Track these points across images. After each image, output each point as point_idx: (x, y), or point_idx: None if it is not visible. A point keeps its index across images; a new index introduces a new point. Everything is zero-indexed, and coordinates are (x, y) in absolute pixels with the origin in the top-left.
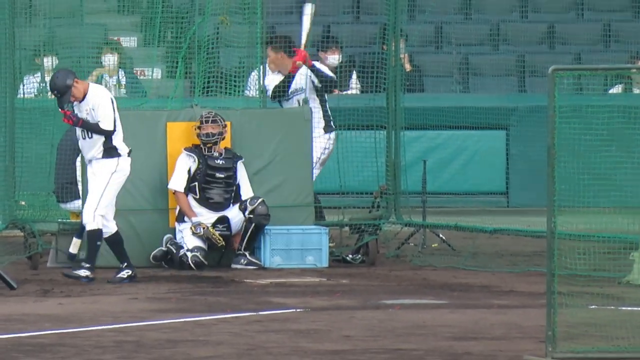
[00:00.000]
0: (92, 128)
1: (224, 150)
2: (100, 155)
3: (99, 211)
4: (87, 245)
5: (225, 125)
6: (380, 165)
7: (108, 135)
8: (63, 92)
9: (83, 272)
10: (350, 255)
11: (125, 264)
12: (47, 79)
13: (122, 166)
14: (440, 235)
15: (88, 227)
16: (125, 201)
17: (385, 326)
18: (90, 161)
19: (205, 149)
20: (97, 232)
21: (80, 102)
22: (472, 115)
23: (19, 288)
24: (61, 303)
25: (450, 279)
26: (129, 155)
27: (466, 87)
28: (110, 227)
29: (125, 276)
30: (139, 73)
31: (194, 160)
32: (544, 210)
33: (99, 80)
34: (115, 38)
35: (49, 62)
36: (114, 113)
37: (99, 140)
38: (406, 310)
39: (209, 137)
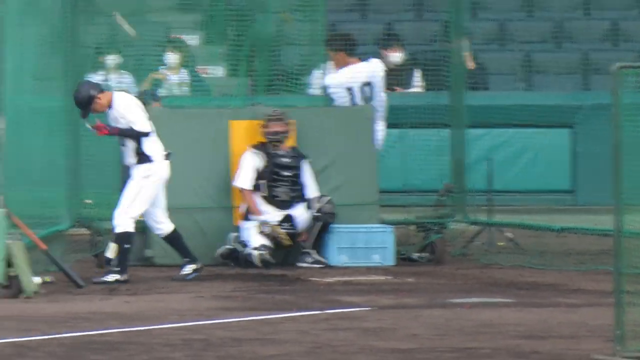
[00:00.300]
0: (128, 134)
1: (289, 149)
2: (135, 161)
3: (129, 214)
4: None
5: (290, 123)
6: (444, 163)
7: (143, 135)
8: (86, 104)
9: (111, 277)
10: (417, 254)
11: (188, 259)
12: (111, 77)
13: (155, 171)
14: (507, 234)
15: (116, 230)
16: (189, 199)
17: (451, 325)
18: (129, 167)
19: (271, 147)
20: (125, 235)
21: (108, 112)
22: (536, 113)
23: (86, 286)
24: (127, 301)
25: (517, 278)
26: (166, 159)
27: (530, 85)
28: (164, 228)
29: (189, 271)
30: (201, 71)
31: (261, 158)
32: (611, 208)
33: (158, 84)
34: (178, 36)
35: (112, 60)
36: (140, 114)
37: (132, 146)
38: (473, 308)
39: (275, 135)
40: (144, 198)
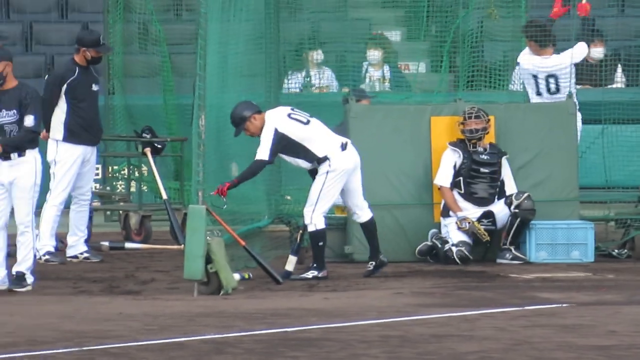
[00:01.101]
0: (247, 176)
1: (488, 146)
2: (314, 166)
3: (316, 212)
4: (311, 248)
5: (489, 120)
6: None
7: (260, 167)
8: (237, 124)
9: (310, 274)
10: (616, 250)
11: (371, 256)
12: (312, 73)
13: (334, 165)
14: None
15: (308, 229)
16: (390, 196)
17: None
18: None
19: (470, 145)
20: (317, 233)
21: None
22: None
23: (285, 283)
24: (327, 297)
25: None
26: (344, 149)
27: None
28: (362, 215)
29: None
30: (403, 67)
31: (459, 155)
32: None
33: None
34: (380, 32)
35: (314, 56)
36: (273, 144)
37: (301, 162)
38: None
39: (473, 133)
40: (328, 194)
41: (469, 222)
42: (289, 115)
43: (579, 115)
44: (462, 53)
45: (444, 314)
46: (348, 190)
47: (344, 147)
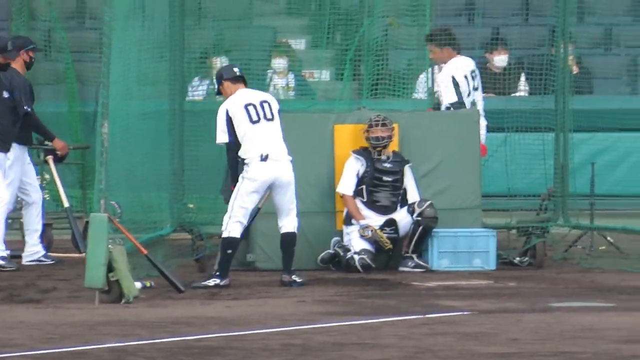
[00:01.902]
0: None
1: (391, 154)
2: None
3: (232, 219)
4: (220, 254)
5: (394, 128)
6: (548, 167)
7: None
8: (217, 82)
9: (212, 282)
10: (518, 258)
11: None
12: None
13: (249, 173)
14: (608, 238)
15: (222, 235)
16: None
17: (552, 329)
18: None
19: (374, 153)
20: (228, 241)
21: None
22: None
23: (187, 291)
24: (228, 306)
25: (618, 282)
26: (262, 160)
27: (635, 89)
28: (281, 229)
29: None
30: (307, 75)
31: (362, 164)
32: None
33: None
34: (284, 40)
35: (218, 64)
36: (226, 125)
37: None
38: (573, 313)
39: (379, 140)
40: (241, 201)
41: (372, 230)
42: (245, 105)
43: (484, 123)
44: (367, 61)
45: (346, 322)
46: (274, 203)
47: (263, 158)
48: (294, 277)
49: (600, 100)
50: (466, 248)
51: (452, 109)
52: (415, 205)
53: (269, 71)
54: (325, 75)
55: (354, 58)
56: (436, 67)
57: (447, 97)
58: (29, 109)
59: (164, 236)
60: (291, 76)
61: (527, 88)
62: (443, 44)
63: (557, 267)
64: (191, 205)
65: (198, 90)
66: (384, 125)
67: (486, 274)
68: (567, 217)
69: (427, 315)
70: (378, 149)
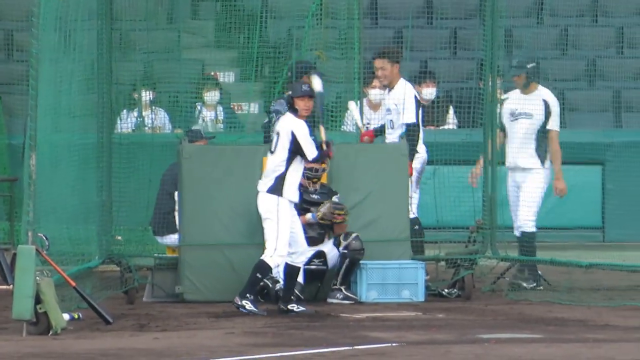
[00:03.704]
0: None
1: (319, 186)
2: None
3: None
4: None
5: (327, 161)
6: (477, 200)
7: None
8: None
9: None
10: (446, 290)
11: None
12: (144, 113)
13: None
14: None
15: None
16: (222, 235)
17: None
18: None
19: (309, 184)
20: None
21: None
22: (568, 150)
23: (115, 323)
24: (157, 337)
25: (545, 314)
26: None
27: (562, 122)
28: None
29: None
30: (236, 108)
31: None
32: None
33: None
34: (212, 73)
35: (146, 97)
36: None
37: None
38: (502, 344)
39: (315, 172)
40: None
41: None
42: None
43: (425, 153)
44: None
45: (276, 354)
46: None
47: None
48: (237, 301)
49: None
50: (395, 280)
51: (407, 130)
52: (341, 238)
53: (197, 104)
54: (254, 107)
55: (282, 91)
56: (365, 99)
57: (408, 115)
58: None
59: (92, 268)
60: (220, 109)
61: (455, 121)
62: (396, 60)
63: (486, 298)
64: (119, 238)
65: (126, 122)
66: None
67: (415, 306)
68: (495, 249)
69: (356, 347)
70: (314, 180)
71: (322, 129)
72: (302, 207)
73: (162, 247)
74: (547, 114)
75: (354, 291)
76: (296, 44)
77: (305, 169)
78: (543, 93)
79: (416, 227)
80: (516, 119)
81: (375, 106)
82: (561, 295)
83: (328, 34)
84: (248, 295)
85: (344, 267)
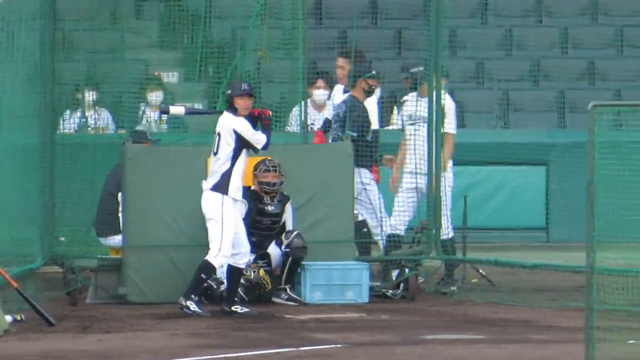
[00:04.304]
0: None
1: (276, 196)
2: None
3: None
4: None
5: (284, 175)
6: (421, 200)
7: None
8: None
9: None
10: (391, 291)
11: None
12: (88, 114)
13: None
14: (480, 271)
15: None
16: (165, 236)
17: None
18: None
19: (267, 198)
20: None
21: None
22: (512, 151)
23: (58, 324)
24: (100, 339)
25: (490, 314)
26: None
27: (507, 122)
28: None
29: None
30: None
31: (244, 204)
32: (584, 245)
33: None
34: (156, 73)
35: (89, 97)
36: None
37: None
38: (446, 345)
39: (272, 186)
40: None
41: (255, 271)
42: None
43: None
44: None
45: (219, 355)
46: None
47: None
48: (181, 301)
49: (472, 133)
50: (339, 281)
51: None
52: (283, 237)
53: (141, 104)
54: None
55: (226, 91)
56: (310, 100)
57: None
58: None
59: (34, 269)
60: None
61: (400, 121)
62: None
63: (430, 299)
64: (62, 239)
65: (70, 123)
66: (276, 171)
67: (359, 307)
68: (439, 250)
69: (301, 348)
70: (272, 194)
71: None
72: (256, 219)
73: (106, 248)
74: (442, 117)
75: (298, 292)
76: (240, 44)
77: (262, 183)
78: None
79: (364, 229)
80: (414, 123)
81: (320, 106)
82: (505, 296)
83: (272, 34)
84: (193, 296)
85: (287, 266)
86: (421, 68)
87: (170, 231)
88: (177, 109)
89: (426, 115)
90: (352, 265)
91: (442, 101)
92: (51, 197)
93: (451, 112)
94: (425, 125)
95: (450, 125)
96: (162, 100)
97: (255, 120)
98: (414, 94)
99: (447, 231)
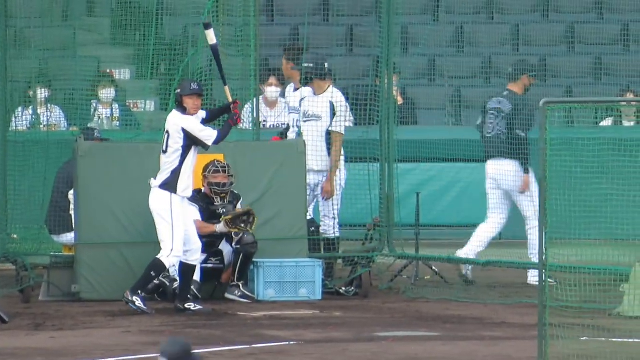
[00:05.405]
0: None
1: (227, 198)
2: None
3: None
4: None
5: (233, 175)
6: (373, 197)
7: None
8: None
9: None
10: (344, 288)
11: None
12: (40, 111)
13: None
14: (433, 268)
15: None
16: (118, 234)
17: (378, 359)
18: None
19: (217, 199)
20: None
21: None
22: (464, 148)
23: (11, 322)
24: (53, 337)
25: (442, 311)
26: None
27: (458, 119)
28: None
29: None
30: (132, 105)
31: (196, 208)
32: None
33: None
34: (108, 70)
35: (41, 94)
36: None
37: None
38: (399, 342)
39: (222, 187)
40: None
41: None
42: None
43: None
44: None
45: None
46: None
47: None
48: (127, 296)
49: (424, 130)
50: (292, 278)
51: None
52: (233, 233)
53: (93, 101)
54: (150, 105)
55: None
56: (261, 97)
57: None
58: None
59: None
60: (116, 106)
61: (351, 118)
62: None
63: (383, 296)
64: (15, 236)
65: (22, 120)
66: (225, 171)
67: (312, 304)
68: (392, 247)
69: (254, 345)
70: (222, 195)
71: (227, 89)
72: (207, 221)
73: (58, 245)
74: (332, 115)
75: (251, 289)
76: (192, 42)
77: (212, 184)
78: (332, 95)
79: (312, 229)
80: (307, 120)
81: (271, 103)
82: (458, 293)
83: (224, 31)
84: (139, 292)
85: (239, 262)
86: (311, 64)
87: (123, 228)
88: (213, 37)
89: (321, 113)
90: (305, 263)
91: (335, 98)
92: (3, 194)
93: (341, 111)
94: (320, 122)
95: (337, 124)
96: (113, 97)
97: (222, 113)
98: (310, 89)
99: (332, 230)
